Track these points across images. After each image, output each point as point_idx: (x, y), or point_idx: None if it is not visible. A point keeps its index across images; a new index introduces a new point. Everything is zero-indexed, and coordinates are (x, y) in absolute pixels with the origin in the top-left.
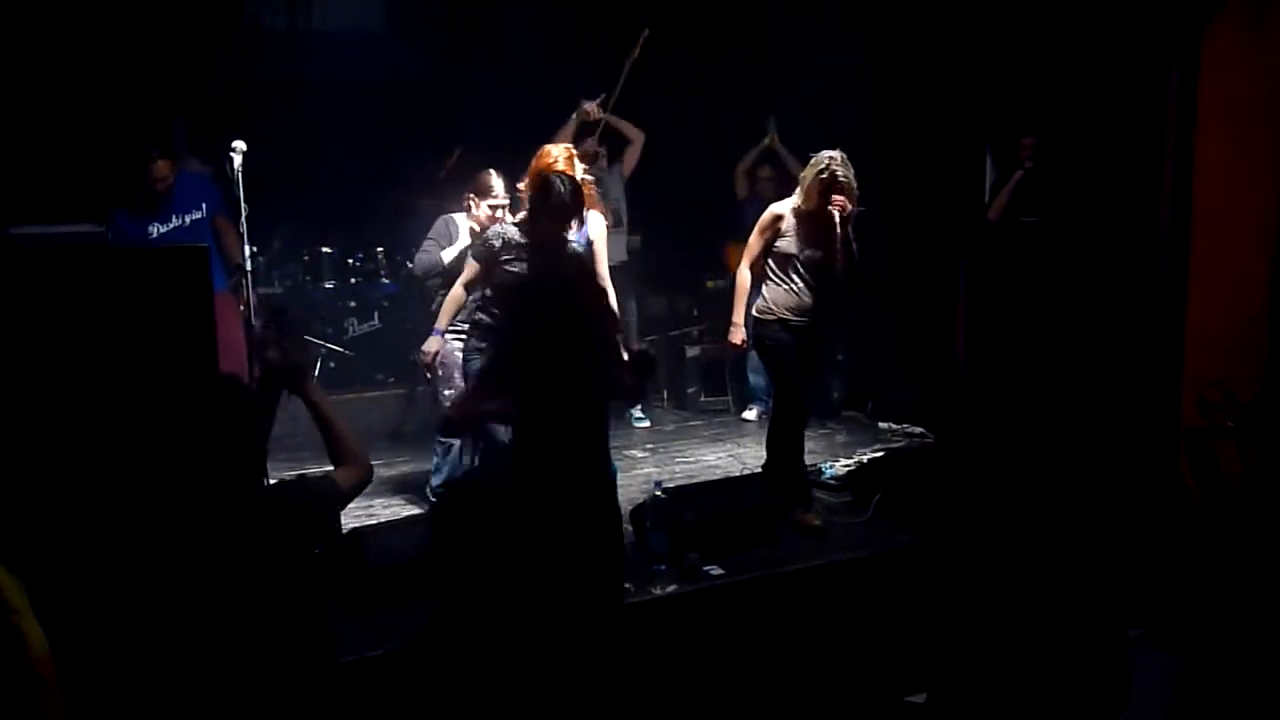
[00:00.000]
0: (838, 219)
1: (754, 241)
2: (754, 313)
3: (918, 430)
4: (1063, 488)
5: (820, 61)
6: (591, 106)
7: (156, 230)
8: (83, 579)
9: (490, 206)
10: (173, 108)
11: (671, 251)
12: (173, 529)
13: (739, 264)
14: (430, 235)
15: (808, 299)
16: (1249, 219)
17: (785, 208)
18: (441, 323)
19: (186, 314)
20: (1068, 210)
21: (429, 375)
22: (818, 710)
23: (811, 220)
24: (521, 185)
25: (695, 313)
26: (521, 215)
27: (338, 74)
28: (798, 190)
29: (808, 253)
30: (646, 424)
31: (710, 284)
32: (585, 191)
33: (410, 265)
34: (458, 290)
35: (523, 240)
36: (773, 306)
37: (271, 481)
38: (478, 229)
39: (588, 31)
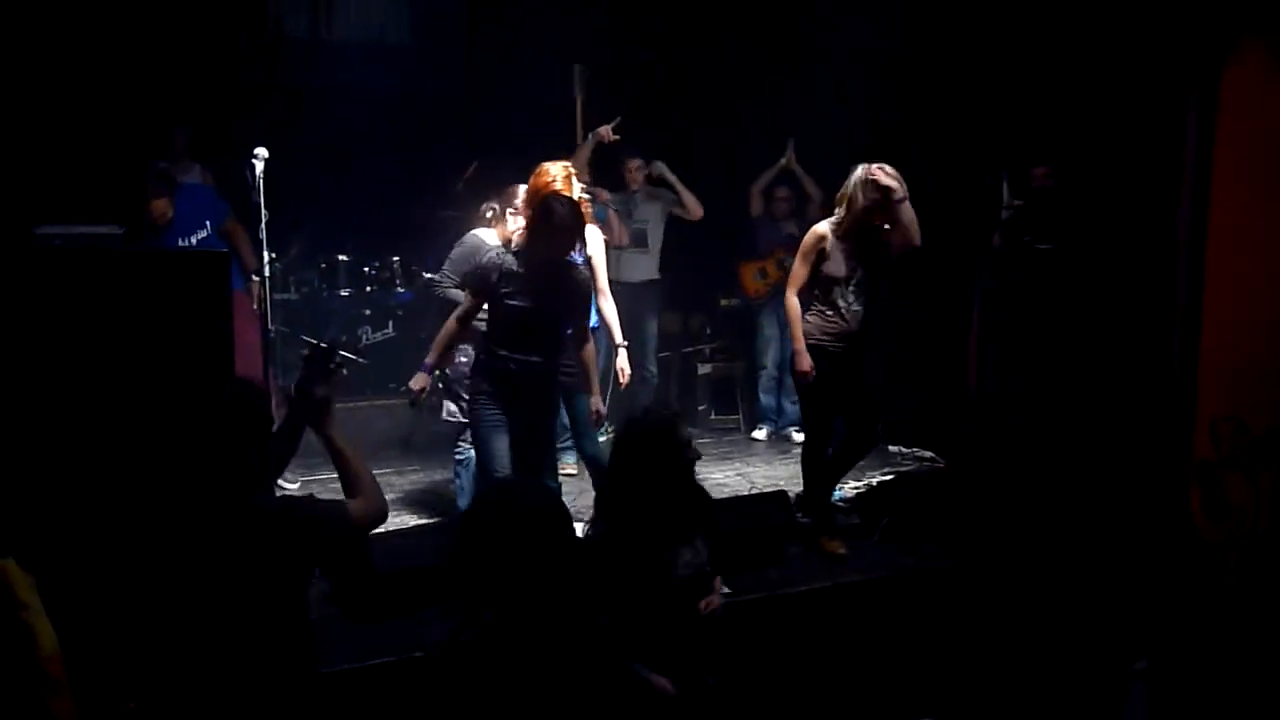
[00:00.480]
0: (887, 216)
1: (799, 268)
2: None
3: (927, 454)
4: (1071, 518)
5: (838, 85)
6: (606, 130)
7: None
8: (94, 576)
9: None
10: (194, 112)
11: (685, 270)
12: (176, 530)
13: (752, 283)
14: (453, 257)
15: (851, 324)
16: (1265, 252)
17: (826, 227)
18: (431, 358)
19: (205, 318)
20: (1082, 238)
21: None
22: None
23: (856, 235)
24: (519, 202)
25: (708, 331)
26: (518, 236)
27: (358, 83)
28: (838, 208)
29: (855, 272)
30: None
31: (724, 302)
32: (583, 210)
33: (426, 276)
34: (451, 324)
35: (521, 270)
36: (813, 332)
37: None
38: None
39: (608, 46)
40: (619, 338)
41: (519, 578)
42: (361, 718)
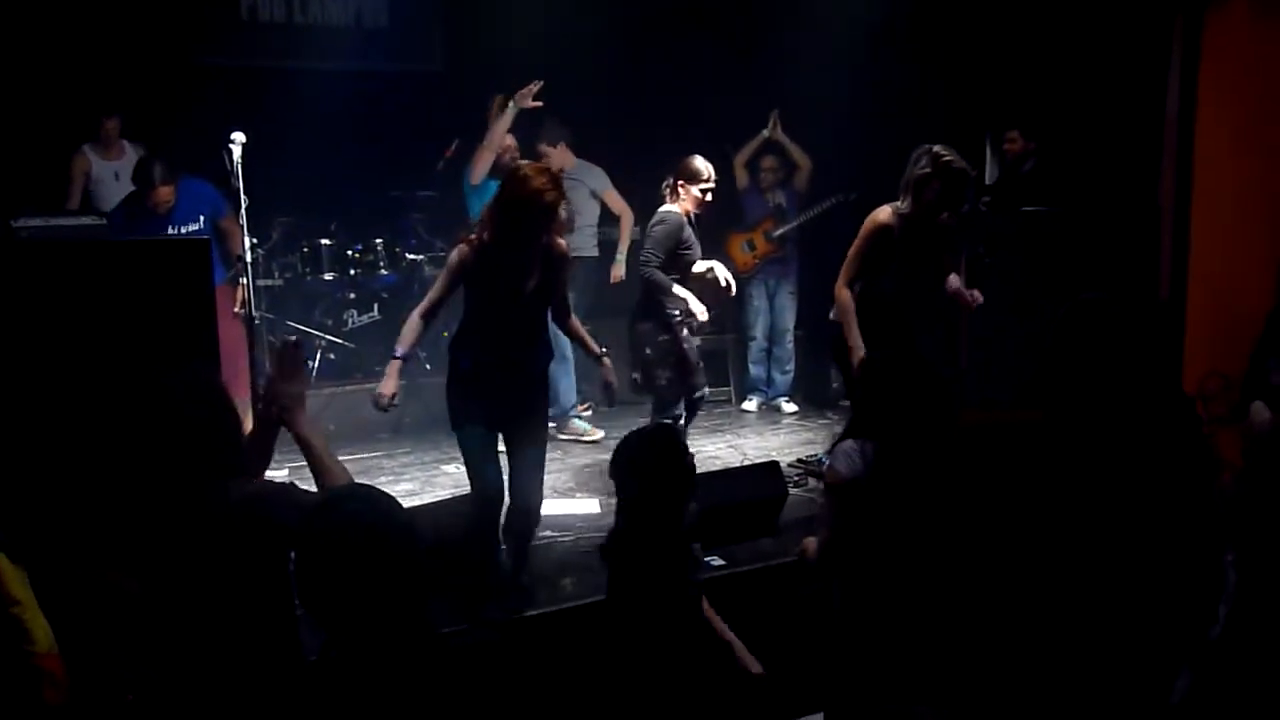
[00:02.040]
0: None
1: (855, 259)
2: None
3: None
4: (1081, 484)
5: (819, 51)
6: (527, 94)
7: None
8: (84, 569)
9: (701, 190)
10: (169, 99)
11: None
12: (153, 520)
13: (740, 255)
14: (656, 235)
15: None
16: (1252, 206)
17: (890, 217)
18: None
19: (187, 305)
20: (1068, 200)
21: None
22: (817, 704)
23: (920, 228)
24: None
25: None
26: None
27: (335, 66)
28: (902, 195)
29: (914, 268)
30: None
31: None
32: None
33: (644, 265)
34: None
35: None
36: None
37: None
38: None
39: (586, 23)
40: (596, 349)
41: (355, 597)
42: (349, 704)
